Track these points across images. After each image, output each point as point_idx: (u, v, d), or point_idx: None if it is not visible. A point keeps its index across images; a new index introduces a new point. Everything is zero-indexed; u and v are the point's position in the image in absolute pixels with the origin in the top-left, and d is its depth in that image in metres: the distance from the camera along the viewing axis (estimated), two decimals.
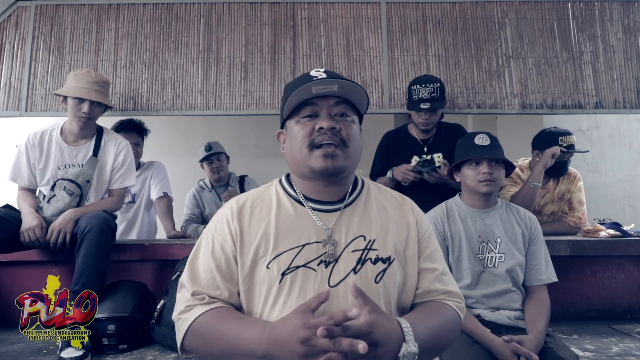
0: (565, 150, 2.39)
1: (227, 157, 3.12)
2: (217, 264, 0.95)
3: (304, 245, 0.93)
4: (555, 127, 2.51)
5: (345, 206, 0.99)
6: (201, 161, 3.04)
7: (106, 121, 2.53)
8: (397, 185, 2.46)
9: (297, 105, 0.98)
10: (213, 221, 1.01)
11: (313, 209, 0.98)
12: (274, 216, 0.97)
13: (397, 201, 1.06)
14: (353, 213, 0.99)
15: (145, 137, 2.91)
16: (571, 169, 2.59)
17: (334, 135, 0.94)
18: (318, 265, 0.92)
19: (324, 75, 0.96)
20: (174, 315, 0.94)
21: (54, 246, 1.98)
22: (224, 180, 3.08)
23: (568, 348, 1.50)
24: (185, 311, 0.91)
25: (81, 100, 2.15)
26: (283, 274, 0.91)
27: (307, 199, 1.00)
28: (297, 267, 0.91)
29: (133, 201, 2.82)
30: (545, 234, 1.76)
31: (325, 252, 0.93)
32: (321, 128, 0.94)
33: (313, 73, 0.97)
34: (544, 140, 2.45)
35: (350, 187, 1.03)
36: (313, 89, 0.94)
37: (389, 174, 2.39)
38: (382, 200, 1.04)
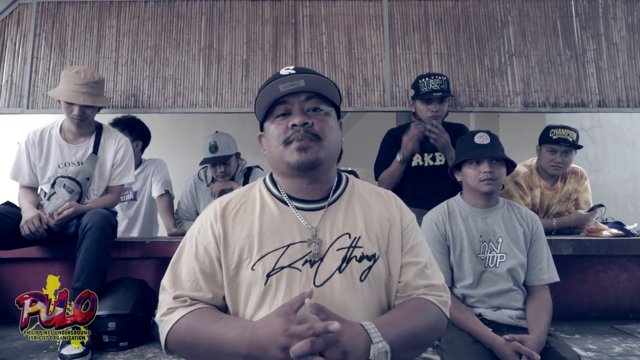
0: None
1: (238, 155, 2.68)
2: (200, 267, 0.94)
3: (288, 246, 0.92)
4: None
5: (330, 204, 0.98)
6: (203, 164, 2.62)
7: (106, 119, 2.52)
8: (403, 183, 2.43)
9: (270, 106, 0.98)
10: (196, 223, 1.00)
11: (297, 208, 0.97)
12: (257, 217, 0.96)
13: (381, 196, 1.05)
14: (337, 211, 0.98)
15: (139, 138, 2.75)
16: (578, 167, 2.57)
17: (307, 132, 0.93)
18: (303, 265, 0.91)
19: (293, 72, 0.95)
20: (157, 318, 0.94)
21: (60, 221, 1.98)
22: (230, 176, 2.66)
23: (570, 348, 1.49)
24: (167, 314, 0.91)
25: (71, 103, 2.13)
26: (268, 275, 0.90)
27: (291, 198, 0.99)
28: (282, 267, 0.90)
29: (134, 199, 2.81)
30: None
31: (310, 252, 0.92)
32: (294, 125, 0.93)
33: (283, 72, 0.96)
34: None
35: (335, 185, 1.02)
36: (280, 87, 0.94)
37: (398, 157, 2.37)
38: (366, 196, 1.03)
